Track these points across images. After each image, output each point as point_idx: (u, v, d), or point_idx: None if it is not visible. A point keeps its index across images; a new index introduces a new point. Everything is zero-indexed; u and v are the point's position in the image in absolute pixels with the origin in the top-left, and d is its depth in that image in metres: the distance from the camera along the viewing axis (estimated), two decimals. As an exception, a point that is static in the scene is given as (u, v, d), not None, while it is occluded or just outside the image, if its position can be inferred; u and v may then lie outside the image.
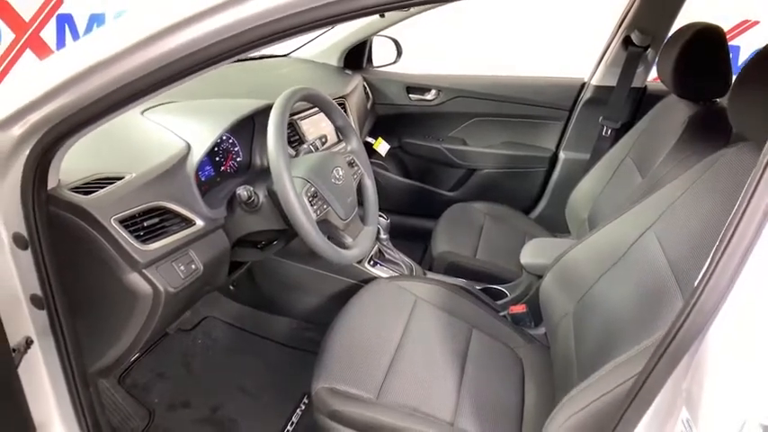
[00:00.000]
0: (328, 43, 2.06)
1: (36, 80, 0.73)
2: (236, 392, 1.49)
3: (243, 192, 1.05)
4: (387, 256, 1.58)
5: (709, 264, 0.58)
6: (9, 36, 3.38)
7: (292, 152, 1.22)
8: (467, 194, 2.22)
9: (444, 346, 1.23)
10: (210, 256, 1.04)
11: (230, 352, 1.62)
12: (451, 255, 1.72)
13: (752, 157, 0.87)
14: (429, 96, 2.15)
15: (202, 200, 1.03)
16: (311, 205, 1.03)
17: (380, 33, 2.08)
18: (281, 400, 1.48)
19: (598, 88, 1.95)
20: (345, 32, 2.02)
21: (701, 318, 0.57)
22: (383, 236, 1.56)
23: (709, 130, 1.31)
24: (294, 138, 1.36)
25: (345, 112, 1.65)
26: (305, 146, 1.23)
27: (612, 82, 1.89)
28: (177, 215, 0.97)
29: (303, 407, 1.45)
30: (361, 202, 1.26)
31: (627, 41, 1.82)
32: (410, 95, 2.16)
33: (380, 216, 1.65)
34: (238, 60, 1.93)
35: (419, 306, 1.33)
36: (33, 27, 3.41)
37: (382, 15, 1.51)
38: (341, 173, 1.13)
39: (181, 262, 0.96)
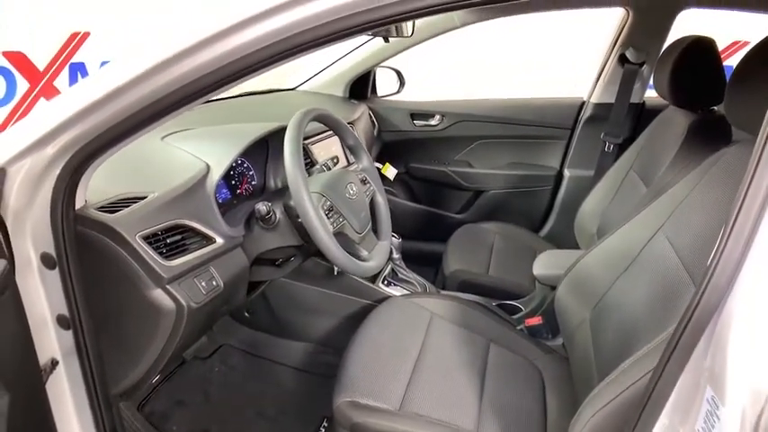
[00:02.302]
0: (333, 75, 2.14)
1: (68, 103, 0.77)
2: (255, 418, 1.47)
3: (262, 207, 1.08)
4: (400, 275, 1.60)
5: (720, 242, 0.60)
6: (24, 85, 3.50)
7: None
8: (475, 216, 2.25)
9: (463, 360, 1.23)
10: (231, 274, 1.06)
11: (248, 378, 1.62)
12: (464, 273, 1.73)
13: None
14: (433, 122, 2.20)
15: (223, 219, 1.06)
16: (327, 218, 1.06)
17: (383, 65, 2.16)
18: (300, 424, 1.46)
19: (598, 106, 2.00)
20: (349, 64, 2.10)
21: (715, 294, 0.59)
22: (396, 255, 1.58)
23: (709, 136, 1.35)
24: (306, 161, 1.40)
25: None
26: (317, 167, 1.27)
27: (611, 99, 1.94)
28: (198, 233, 1.00)
29: (323, 430, 1.44)
30: (374, 218, 1.29)
31: (622, 59, 1.88)
32: (415, 121, 2.21)
33: (393, 236, 1.68)
34: (249, 94, 2.01)
35: (435, 322, 1.33)
36: (47, 76, 3.54)
37: (387, 40, 1.58)
38: (354, 189, 1.16)
39: (202, 278, 0.98)
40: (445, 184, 2.28)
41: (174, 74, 0.73)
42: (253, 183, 1.31)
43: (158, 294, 0.91)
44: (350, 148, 1.31)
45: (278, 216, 1.11)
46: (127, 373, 0.98)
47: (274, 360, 1.65)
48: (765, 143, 0.57)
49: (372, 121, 2.15)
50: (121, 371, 0.98)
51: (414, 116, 2.22)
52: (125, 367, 0.98)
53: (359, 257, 1.16)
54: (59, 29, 3.25)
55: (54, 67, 3.56)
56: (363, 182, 1.26)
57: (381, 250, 1.23)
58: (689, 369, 0.62)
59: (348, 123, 1.74)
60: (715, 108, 1.42)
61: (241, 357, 1.66)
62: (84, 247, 0.86)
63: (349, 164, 1.56)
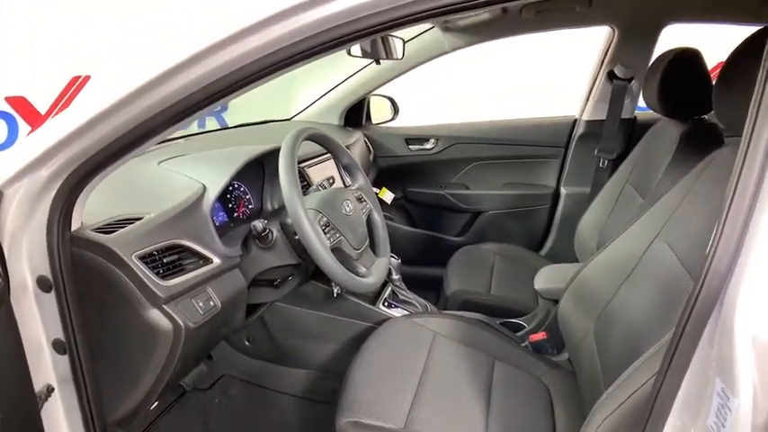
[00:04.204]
0: (328, 104, 2.18)
1: (61, 124, 0.78)
2: (257, 450, 1.43)
3: (258, 224, 1.08)
4: (401, 296, 1.58)
5: (716, 230, 0.60)
6: (26, 129, 3.56)
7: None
8: (474, 238, 2.24)
9: (467, 378, 1.20)
10: (228, 294, 1.05)
11: (249, 409, 1.58)
12: (466, 292, 1.71)
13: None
14: (428, 146, 2.23)
15: (220, 239, 1.06)
16: (324, 234, 1.06)
17: (377, 93, 2.20)
18: (303, 453, 1.42)
19: (590, 123, 2.03)
20: (343, 93, 2.14)
21: (715, 283, 0.58)
22: (395, 276, 1.56)
23: (701, 143, 1.36)
24: (302, 184, 1.41)
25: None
26: (313, 188, 1.28)
27: (603, 116, 1.97)
28: (195, 253, 1.00)
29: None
30: (371, 235, 1.28)
31: (611, 75, 1.91)
32: (410, 146, 2.24)
33: (392, 256, 1.67)
34: (245, 125, 2.05)
35: (438, 341, 1.31)
36: (48, 120, 3.60)
37: (378, 62, 1.61)
38: (350, 206, 1.16)
39: (200, 298, 0.97)
40: (443, 207, 2.28)
41: (164, 91, 0.73)
42: (250, 206, 1.31)
43: (155, 314, 0.90)
44: (345, 168, 1.32)
45: (275, 235, 1.11)
46: (124, 400, 0.96)
47: (276, 389, 1.62)
48: (751, 135, 0.58)
49: (368, 148, 2.17)
50: (118, 397, 0.96)
51: (409, 141, 2.25)
52: (122, 393, 0.96)
53: (357, 273, 1.15)
54: (61, 73, 3.32)
55: (55, 111, 3.62)
56: (360, 200, 1.26)
57: (380, 267, 1.23)
58: (695, 363, 0.61)
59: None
60: (705, 117, 1.44)
61: (242, 387, 1.63)
62: (80, 268, 0.86)
63: (346, 186, 1.57)
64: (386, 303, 1.54)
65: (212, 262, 1.02)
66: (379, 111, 2.32)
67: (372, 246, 1.26)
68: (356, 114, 2.23)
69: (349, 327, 1.52)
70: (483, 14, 1.63)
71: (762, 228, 0.56)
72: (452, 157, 2.24)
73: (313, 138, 1.20)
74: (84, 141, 0.78)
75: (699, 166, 1.07)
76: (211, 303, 0.99)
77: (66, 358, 0.88)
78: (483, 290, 1.75)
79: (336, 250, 1.09)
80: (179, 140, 1.53)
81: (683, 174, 1.27)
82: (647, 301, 0.99)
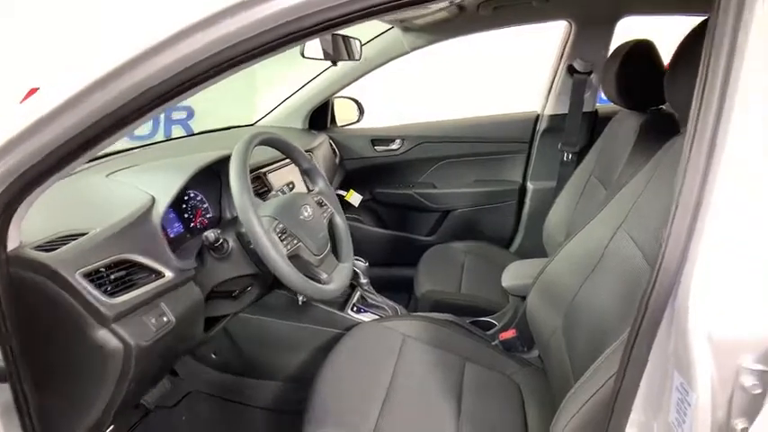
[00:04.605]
0: (292, 108, 2.14)
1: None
2: (227, 467, 1.38)
3: (210, 234, 1.04)
4: (369, 300, 1.56)
5: (669, 223, 0.59)
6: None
7: (260, 202, 1.23)
8: (444, 237, 2.23)
9: (438, 382, 1.19)
10: (183, 308, 1.00)
11: (218, 425, 1.53)
12: (435, 293, 1.70)
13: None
14: (394, 146, 2.21)
15: (173, 252, 1.01)
16: (281, 241, 1.02)
17: (341, 95, 2.17)
18: (274, 467, 1.38)
19: (552, 117, 2.04)
20: (307, 96, 2.10)
21: (668, 275, 0.57)
22: (363, 280, 1.54)
23: (660, 133, 1.37)
24: (263, 190, 1.37)
25: (312, 163, 1.68)
26: (272, 193, 1.24)
27: (565, 110, 1.98)
28: (145, 267, 0.95)
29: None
30: (334, 240, 1.25)
31: (571, 69, 1.93)
32: (376, 147, 2.21)
33: (359, 260, 1.64)
34: (207, 132, 1.99)
35: (408, 344, 1.29)
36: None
37: (335, 64, 1.58)
38: (309, 210, 1.13)
39: (152, 315, 0.93)
40: (412, 208, 2.27)
41: (110, 93, 0.68)
42: (208, 215, 1.26)
43: (103, 335, 0.85)
44: (305, 172, 1.29)
45: (230, 245, 1.07)
46: (75, 426, 0.91)
47: (245, 402, 1.57)
48: (696, 126, 0.57)
49: (334, 150, 2.14)
50: (69, 423, 0.90)
51: (374, 142, 2.22)
52: (72, 419, 0.90)
53: (318, 280, 1.11)
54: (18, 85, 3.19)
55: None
56: (320, 204, 1.23)
57: (342, 272, 1.19)
58: (654, 359, 0.60)
59: (307, 151, 1.73)
60: (663, 107, 1.45)
61: (210, 403, 1.57)
62: (19, 290, 0.80)
63: (309, 190, 1.53)
64: (355, 308, 1.51)
65: (164, 276, 0.97)
66: (345, 112, 2.29)
67: (335, 251, 1.23)
68: (321, 117, 2.19)
69: (317, 334, 1.48)
70: (440, 13, 1.61)
71: (710, 220, 0.55)
72: (419, 156, 2.22)
73: (268, 142, 1.16)
74: (16, 155, 0.73)
75: (656, 156, 1.08)
76: (165, 319, 0.95)
77: (6, 387, 0.82)
78: (453, 289, 1.73)
79: (295, 257, 1.06)
80: (134, 150, 1.47)
81: (644, 164, 1.28)
82: (611, 294, 0.99)
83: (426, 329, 1.35)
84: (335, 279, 1.15)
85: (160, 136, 3.91)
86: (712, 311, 0.54)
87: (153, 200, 1.01)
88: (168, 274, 0.98)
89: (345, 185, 2.19)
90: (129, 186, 1.04)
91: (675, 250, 0.57)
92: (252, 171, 1.37)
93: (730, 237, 0.54)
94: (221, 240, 1.05)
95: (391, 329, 1.34)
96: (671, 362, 0.58)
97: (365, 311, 1.52)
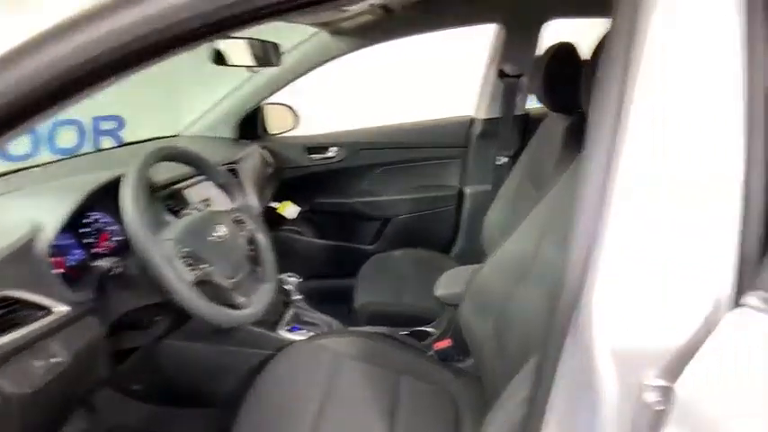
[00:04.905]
0: (219, 116, 2.04)
1: None
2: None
3: (103, 263, 0.95)
4: (304, 318, 1.49)
5: (571, 236, 0.56)
6: None
7: (175, 221, 1.14)
8: (386, 245, 2.19)
9: (370, 401, 1.14)
10: (79, 346, 0.91)
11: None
12: (373, 304, 1.65)
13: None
14: (330, 154, 2.15)
15: (65, 283, 0.91)
16: (186, 266, 0.94)
17: (273, 101, 2.09)
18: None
19: (486, 121, 2.03)
20: (235, 103, 2.01)
21: (572, 286, 0.54)
22: (296, 297, 1.47)
23: (583, 136, 1.38)
24: (178, 207, 1.28)
25: (237, 177, 1.59)
26: (186, 211, 1.16)
27: (498, 113, 1.99)
28: (29, 304, 0.85)
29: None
30: (255, 259, 1.18)
31: (501, 73, 1.93)
32: (311, 156, 2.15)
33: (292, 276, 1.57)
34: (129, 144, 1.86)
35: (340, 363, 1.23)
36: None
37: (253, 71, 1.51)
38: (223, 230, 1.05)
39: (39, 357, 0.83)
40: (352, 217, 2.21)
41: None
42: (116, 238, 1.16)
43: (-24, 385, 0.75)
44: (221, 187, 1.21)
45: (133, 272, 0.98)
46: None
47: None
48: (596, 126, 0.55)
49: (266, 160, 2.05)
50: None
51: (310, 150, 2.16)
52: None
53: (234, 305, 1.04)
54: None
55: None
56: (239, 222, 1.15)
57: (263, 294, 1.12)
58: (563, 375, 0.57)
59: (230, 163, 1.65)
60: (589, 109, 1.46)
61: (135, 437, 1.47)
62: None
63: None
64: (288, 327, 1.44)
65: (54, 311, 0.88)
66: (279, 120, 2.20)
67: (256, 271, 1.16)
68: (252, 125, 2.10)
69: (248, 357, 1.41)
70: (364, 16, 1.57)
71: (611, 227, 0.52)
72: (357, 164, 2.17)
73: (170, 158, 1.08)
74: None
75: (578, 158, 1.07)
76: (54, 361, 0.85)
77: None
78: (392, 299, 1.69)
79: (204, 283, 0.98)
80: (34, 169, 1.35)
81: (568, 167, 1.27)
82: (537, 301, 0.97)
83: (359, 345, 1.30)
84: (255, 302, 1.08)
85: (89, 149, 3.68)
86: (614, 324, 0.51)
87: (38, 227, 0.90)
88: (59, 309, 0.88)
89: (281, 197, 2.11)
90: (8, 214, 0.93)
91: (579, 259, 0.54)
92: (166, 187, 1.28)
93: (630, 244, 0.51)
94: (118, 268, 0.96)
95: (323, 348, 1.28)
96: (577, 379, 0.55)
97: (299, 329, 1.46)
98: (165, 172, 1.25)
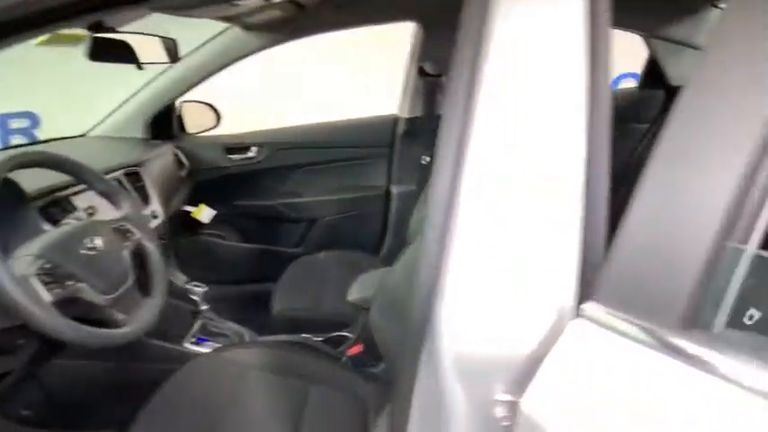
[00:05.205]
0: (129, 115, 1.91)
1: None
2: None
3: None
4: (212, 329, 1.41)
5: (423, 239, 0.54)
6: None
7: (48, 229, 1.04)
8: (312, 248, 2.13)
9: (276, 415, 1.09)
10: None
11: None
12: (291, 311, 1.59)
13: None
14: (251, 154, 2.07)
15: None
16: (46, 284, 0.85)
17: (190, 99, 1.98)
18: None
19: (409, 120, 2.02)
20: (145, 101, 1.89)
21: (422, 297, 0.52)
22: (203, 307, 1.39)
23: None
24: (61, 216, 1.17)
25: (140, 181, 1.49)
26: (65, 221, 1.06)
27: (420, 112, 1.97)
28: None
29: None
30: (142, 272, 1.09)
31: (421, 72, 1.91)
32: (230, 156, 2.06)
33: (197, 286, 1.49)
34: (28, 144, 1.70)
35: (246, 376, 1.17)
36: None
37: (140, 67, 1.41)
38: (98, 242, 0.96)
39: None
40: (276, 219, 2.14)
41: None
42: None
43: None
44: (103, 195, 1.11)
45: None
46: None
47: None
48: (446, 125, 0.52)
49: (180, 161, 1.94)
50: None
51: (229, 150, 2.06)
52: None
53: (111, 323, 0.95)
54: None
55: None
56: (122, 231, 1.06)
57: (148, 309, 1.03)
58: (419, 394, 0.54)
59: (133, 166, 1.54)
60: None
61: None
62: None
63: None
64: (194, 339, 1.36)
65: None
66: (199, 118, 2.09)
67: (141, 284, 1.06)
68: (165, 124, 1.98)
69: (150, 373, 1.31)
70: (273, 11, 1.51)
71: (460, 227, 0.49)
72: (280, 164, 2.10)
73: (35, 164, 0.97)
74: None
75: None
76: None
77: None
78: (311, 304, 1.64)
79: (72, 301, 0.88)
80: None
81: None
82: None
83: (270, 357, 1.25)
84: (136, 319, 0.99)
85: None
86: (462, 334, 0.49)
87: None
88: None
89: (195, 200, 2.00)
90: None
91: (430, 262, 0.51)
92: (49, 193, 1.17)
93: (476, 248, 0.49)
94: None
95: (230, 361, 1.21)
96: (432, 398, 0.52)
97: (207, 341, 1.38)
98: (45, 179, 1.14)
